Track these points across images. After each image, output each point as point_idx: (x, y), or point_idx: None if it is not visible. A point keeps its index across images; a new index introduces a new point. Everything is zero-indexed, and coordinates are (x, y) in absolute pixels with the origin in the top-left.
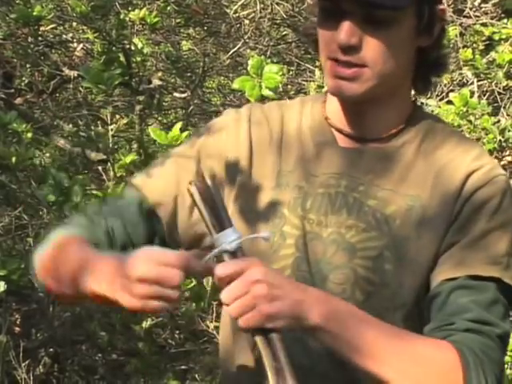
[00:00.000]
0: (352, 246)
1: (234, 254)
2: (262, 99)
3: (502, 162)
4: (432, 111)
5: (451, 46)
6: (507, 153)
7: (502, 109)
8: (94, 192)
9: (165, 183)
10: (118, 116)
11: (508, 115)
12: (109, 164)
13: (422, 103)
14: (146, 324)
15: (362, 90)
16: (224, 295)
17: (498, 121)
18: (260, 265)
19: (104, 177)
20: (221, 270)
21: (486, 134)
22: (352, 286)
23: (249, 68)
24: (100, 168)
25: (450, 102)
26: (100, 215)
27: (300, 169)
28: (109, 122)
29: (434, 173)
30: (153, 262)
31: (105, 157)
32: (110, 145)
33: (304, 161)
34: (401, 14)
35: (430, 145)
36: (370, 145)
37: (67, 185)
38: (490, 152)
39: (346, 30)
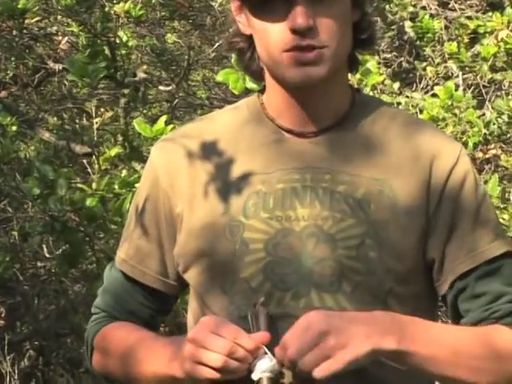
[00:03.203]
0: (332, 237)
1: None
2: (247, 92)
3: (487, 155)
4: (417, 104)
5: (436, 39)
6: (492, 146)
7: (486, 102)
8: (79, 185)
9: (150, 258)
10: (102, 109)
11: (493, 108)
12: (94, 157)
13: (408, 96)
14: None
15: (326, 71)
16: (292, 351)
17: (483, 114)
18: (318, 315)
19: (89, 170)
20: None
21: (471, 127)
22: (339, 278)
23: (233, 61)
24: (85, 161)
25: (434, 95)
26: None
27: (251, 173)
28: (94, 115)
29: (395, 156)
30: (207, 329)
31: (90, 150)
32: (95, 138)
33: (252, 163)
34: None
35: (382, 127)
36: (324, 135)
37: (52, 178)
38: (475, 145)
39: (301, 14)
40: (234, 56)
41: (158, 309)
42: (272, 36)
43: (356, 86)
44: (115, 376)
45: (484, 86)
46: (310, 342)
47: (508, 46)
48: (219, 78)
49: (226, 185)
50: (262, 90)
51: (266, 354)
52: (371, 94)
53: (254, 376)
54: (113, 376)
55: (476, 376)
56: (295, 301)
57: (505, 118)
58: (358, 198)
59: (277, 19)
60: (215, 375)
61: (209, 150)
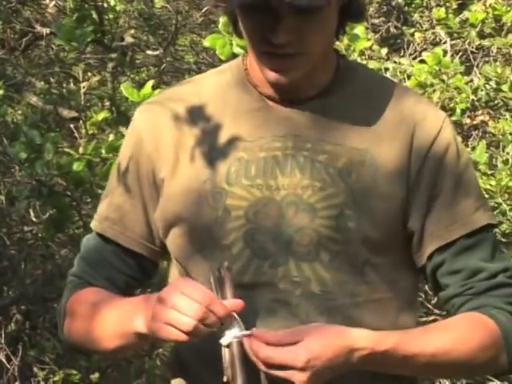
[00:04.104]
0: (311, 206)
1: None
2: (234, 57)
3: (475, 122)
4: (405, 70)
5: (424, 4)
6: (480, 112)
7: (474, 68)
8: (66, 150)
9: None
10: (90, 73)
11: (481, 74)
12: (81, 121)
13: (395, 62)
14: None
15: (301, 75)
16: (271, 360)
17: (471, 80)
18: (307, 354)
19: (76, 134)
20: (266, 353)
21: (459, 93)
22: (316, 247)
23: (220, 26)
24: (72, 125)
25: (422, 61)
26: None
27: (233, 140)
28: (81, 79)
29: (378, 124)
30: (180, 290)
31: (77, 114)
32: (82, 102)
33: (235, 130)
34: None
35: (366, 95)
36: (306, 104)
37: (39, 142)
38: (463, 111)
39: (284, 30)
40: (221, 21)
41: (136, 277)
42: (254, 34)
43: (344, 51)
44: (78, 341)
45: (472, 52)
46: (291, 363)
47: (496, 12)
48: (206, 43)
49: (211, 150)
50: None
51: (235, 319)
52: (359, 59)
53: (224, 341)
54: (76, 342)
55: (448, 375)
56: (273, 269)
57: (492, 84)
58: (338, 168)
59: (262, 22)
60: (183, 338)
61: (196, 114)
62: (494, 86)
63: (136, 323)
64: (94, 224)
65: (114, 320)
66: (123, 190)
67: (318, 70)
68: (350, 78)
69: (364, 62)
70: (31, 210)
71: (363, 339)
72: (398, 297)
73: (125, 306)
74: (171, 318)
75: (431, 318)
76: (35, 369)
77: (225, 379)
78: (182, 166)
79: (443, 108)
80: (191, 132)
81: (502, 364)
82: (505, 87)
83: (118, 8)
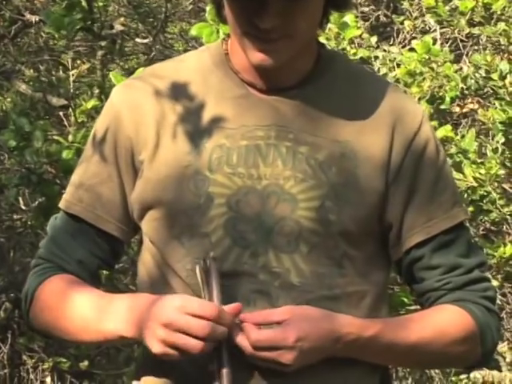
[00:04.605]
0: (293, 197)
1: None
2: None
3: (464, 110)
4: (394, 58)
5: None
6: (469, 100)
7: (464, 56)
8: (55, 137)
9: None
10: (79, 61)
11: (470, 63)
12: (70, 109)
13: (385, 50)
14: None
15: (287, 58)
16: (261, 343)
17: (461, 68)
18: (295, 333)
19: (65, 122)
20: (256, 335)
21: (448, 82)
22: (296, 239)
23: (207, 14)
24: (61, 113)
25: (412, 50)
26: (57, 257)
27: (215, 127)
28: (70, 67)
29: (359, 117)
30: (183, 311)
31: (66, 102)
32: (72, 90)
33: (217, 117)
34: None
35: (347, 86)
36: (287, 93)
37: (28, 130)
38: (452, 99)
39: (270, 14)
40: (208, 9)
41: (108, 260)
42: (239, 16)
43: (334, 39)
44: (46, 329)
45: (461, 41)
46: (281, 343)
47: (486, 1)
48: (193, 31)
49: (194, 131)
50: (228, 35)
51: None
52: (348, 47)
53: None
54: (44, 329)
55: (424, 366)
56: (253, 259)
57: (482, 72)
58: (319, 160)
59: (248, 7)
60: (192, 355)
61: (178, 91)
62: (484, 74)
63: (119, 327)
64: (65, 204)
65: (90, 317)
66: (99, 170)
67: (301, 57)
68: (330, 68)
69: (354, 51)
70: (20, 198)
71: (349, 325)
72: (371, 290)
73: (102, 303)
74: (179, 341)
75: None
76: (24, 357)
77: None
78: (163, 149)
79: (433, 96)
80: (173, 109)
81: (477, 357)
82: (494, 76)
83: None
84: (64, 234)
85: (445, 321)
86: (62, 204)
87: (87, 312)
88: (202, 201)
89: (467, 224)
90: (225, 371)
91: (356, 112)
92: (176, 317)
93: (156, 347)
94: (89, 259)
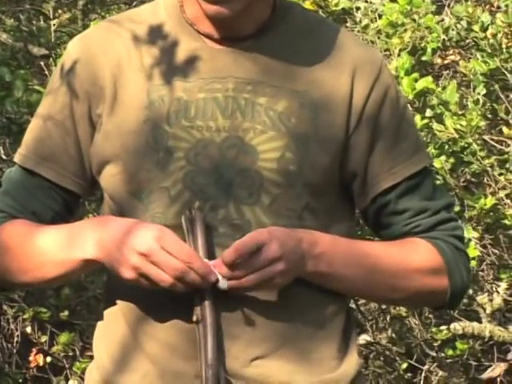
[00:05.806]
0: (253, 149)
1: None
2: None
3: (446, 61)
4: (376, 9)
5: None
6: (451, 52)
7: (446, 7)
8: (36, 87)
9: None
10: (60, 11)
11: (452, 14)
12: (51, 59)
13: (367, 1)
14: None
15: (241, 7)
16: (242, 269)
17: (442, 20)
18: (276, 240)
19: (46, 72)
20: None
21: (430, 33)
22: (258, 190)
23: None
24: (42, 63)
25: (394, 1)
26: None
27: (172, 80)
28: (51, 16)
29: (318, 66)
30: (160, 243)
31: (47, 52)
32: (53, 40)
33: (173, 70)
34: None
35: (304, 35)
36: (244, 43)
37: (9, 80)
38: (434, 50)
39: None
40: None
41: (62, 214)
42: None
43: None
44: (5, 271)
45: None
46: (259, 265)
47: None
48: None
49: (150, 86)
50: None
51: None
52: None
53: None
54: (3, 272)
55: (391, 294)
56: (214, 212)
57: (464, 23)
58: (278, 111)
59: None
60: (162, 287)
61: (135, 46)
62: (465, 25)
63: (85, 249)
64: (20, 159)
65: (51, 248)
66: (55, 124)
67: (256, 5)
68: (287, 16)
69: (335, 1)
70: (1, 148)
71: (321, 239)
72: None
73: (63, 233)
74: (151, 273)
75: None
76: (5, 306)
77: (194, 318)
78: (121, 103)
79: (414, 47)
80: (129, 62)
81: (445, 296)
82: (476, 27)
83: None
84: (19, 186)
85: (410, 249)
86: (17, 158)
87: (50, 244)
88: (160, 155)
89: (431, 168)
90: (209, 320)
91: (314, 61)
92: (154, 250)
93: (128, 273)
94: (43, 211)
